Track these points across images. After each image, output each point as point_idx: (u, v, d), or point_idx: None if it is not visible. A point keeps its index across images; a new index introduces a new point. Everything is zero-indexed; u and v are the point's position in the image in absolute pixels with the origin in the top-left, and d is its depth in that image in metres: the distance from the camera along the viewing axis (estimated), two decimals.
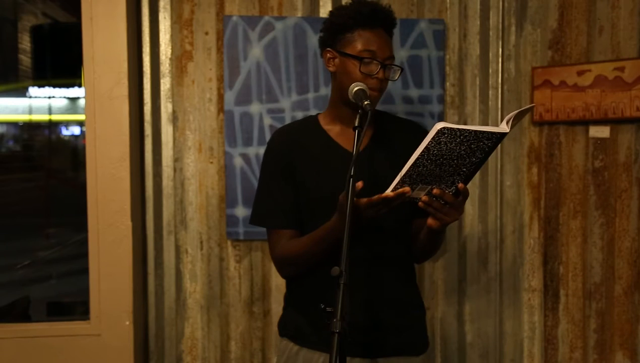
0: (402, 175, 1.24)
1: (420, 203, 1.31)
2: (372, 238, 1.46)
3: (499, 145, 2.24)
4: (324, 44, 1.52)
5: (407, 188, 1.25)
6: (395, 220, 1.50)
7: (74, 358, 2.09)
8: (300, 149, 1.50)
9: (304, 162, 1.49)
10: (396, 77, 1.49)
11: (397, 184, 1.26)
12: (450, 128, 1.18)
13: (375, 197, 1.26)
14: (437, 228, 1.36)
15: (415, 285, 1.59)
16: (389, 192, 1.26)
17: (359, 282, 1.43)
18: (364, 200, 1.27)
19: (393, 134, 1.56)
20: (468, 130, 1.20)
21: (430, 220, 1.36)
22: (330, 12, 1.54)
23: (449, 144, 1.21)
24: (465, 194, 1.32)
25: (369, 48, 1.43)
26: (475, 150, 1.25)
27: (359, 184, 1.25)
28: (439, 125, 1.19)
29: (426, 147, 1.21)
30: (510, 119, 1.23)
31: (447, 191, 1.30)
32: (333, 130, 1.52)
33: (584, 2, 2.24)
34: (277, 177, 1.51)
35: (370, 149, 1.49)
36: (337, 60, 1.48)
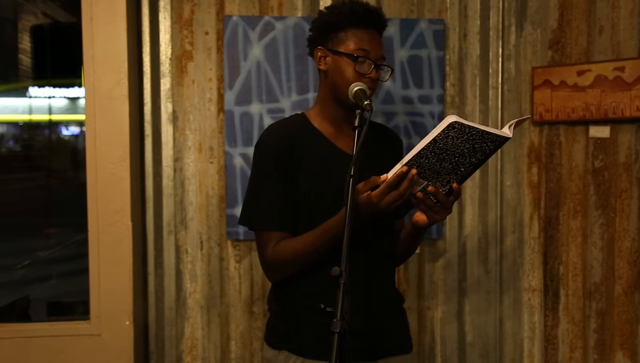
0: (404, 163, 1.24)
1: (413, 199, 1.32)
2: (367, 239, 1.44)
3: None
4: (314, 42, 1.50)
5: (414, 171, 1.24)
6: (386, 222, 1.50)
7: (74, 358, 2.09)
8: (299, 148, 1.44)
9: (305, 163, 1.43)
10: (386, 78, 1.48)
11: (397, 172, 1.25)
12: (461, 123, 1.18)
13: (381, 181, 1.25)
14: (423, 225, 1.37)
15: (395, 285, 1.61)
16: (391, 173, 1.24)
17: (356, 284, 1.39)
18: (375, 192, 1.25)
19: (377, 139, 1.56)
20: (476, 128, 1.20)
21: (418, 217, 1.37)
22: (321, 11, 1.51)
23: (455, 140, 1.21)
24: (457, 195, 1.32)
25: (363, 47, 1.42)
26: (477, 151, 1.25)
27: (383, 177, 1.25)
28: (451, 118, 1.18)
29: (434, 139, 1.20)
30: (511, 125, 1.24)
31: (441, 190, 1.30)
32: (327, 130, 1.49)
33: (584, 2, 2.24)
34: (273, 175, 1.42)
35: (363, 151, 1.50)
36: (329, 58, 1.46)
